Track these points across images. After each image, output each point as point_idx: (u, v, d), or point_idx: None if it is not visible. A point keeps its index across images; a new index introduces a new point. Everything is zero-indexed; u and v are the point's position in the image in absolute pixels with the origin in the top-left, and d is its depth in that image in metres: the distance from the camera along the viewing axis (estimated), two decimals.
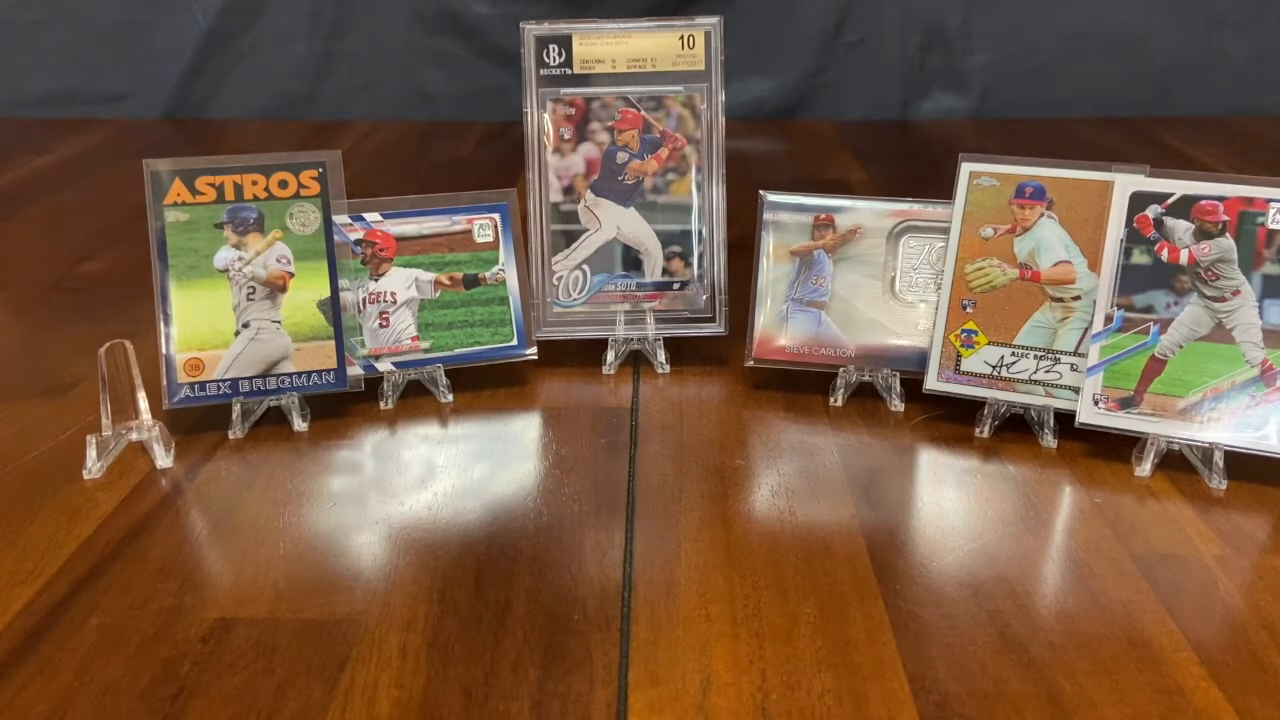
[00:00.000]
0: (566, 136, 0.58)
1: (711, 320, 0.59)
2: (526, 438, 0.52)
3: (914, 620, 0.37)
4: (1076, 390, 0.49)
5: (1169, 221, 0.47)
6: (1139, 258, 0.48)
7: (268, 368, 0.51)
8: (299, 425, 0.51)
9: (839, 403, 0.54)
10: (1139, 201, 0.48)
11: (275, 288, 0.52)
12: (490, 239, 0.55)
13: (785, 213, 0.55)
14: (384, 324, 0.54)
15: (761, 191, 0.55)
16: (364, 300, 0.54)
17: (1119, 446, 0.49)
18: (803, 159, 1.07)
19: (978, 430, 0.51)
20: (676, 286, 0.59)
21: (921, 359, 0.53)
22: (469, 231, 0.55)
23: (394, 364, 0.54)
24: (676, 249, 0.59)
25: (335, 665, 0.35)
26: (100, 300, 0.69)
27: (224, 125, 1.22)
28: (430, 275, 0.55)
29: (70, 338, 0.63)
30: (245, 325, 0.51)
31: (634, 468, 0.48)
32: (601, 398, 0.55)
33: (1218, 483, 0.46)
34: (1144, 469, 0.47)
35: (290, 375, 0.51)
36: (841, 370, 0.54)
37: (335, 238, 0.53)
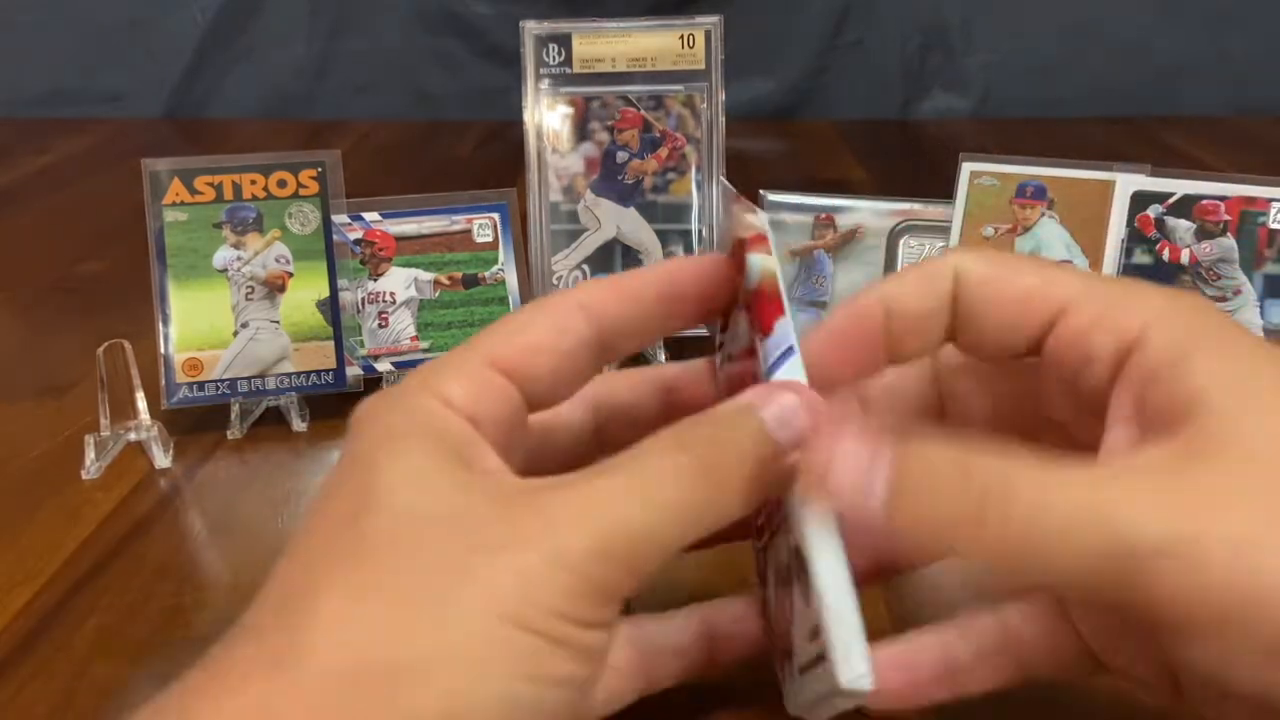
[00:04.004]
0: (567, 136, 0.58)
1: None
2: None
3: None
4: None
5: (1170, 221, 0.47)
6: (1140, 257, 0.48)
7: (266, 368, 0.51)
8: (298, 425, 0.51)
9: None
10: (1140, 201, 0.48)
11: (274, 287, 0.52)
12: (490, 239, 0.55)
13: (786, 212, 0.55)
14: (383, 324, 0.54)
15: (762, 191, 0.55)
16: (363, 300, 0.54)
17: None
18: (803, 158, 1.07)
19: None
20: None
21: None
22: (468, 231, 0.55)
23: (393, 364, 0.54)
24: (676, 249, 0.58)
25: None
26: (98, 300, 0.69)
27: (223, 125, 1.22)
28: (429, 275, 0.55)
29: (68, 338, 0.63)
30: (244, 325, 0.51)
31: None
32: None
33: None
34: None
35: (289, 375, 0.51)
36: None
37: (334, 237, 0.52)
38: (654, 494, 0.21)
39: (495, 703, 0.20)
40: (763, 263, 0.25)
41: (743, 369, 0.26)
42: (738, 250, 0.27)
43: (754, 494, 0.23)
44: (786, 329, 0.24)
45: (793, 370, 0.24)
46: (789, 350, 0.24)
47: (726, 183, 0.28)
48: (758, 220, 0.26)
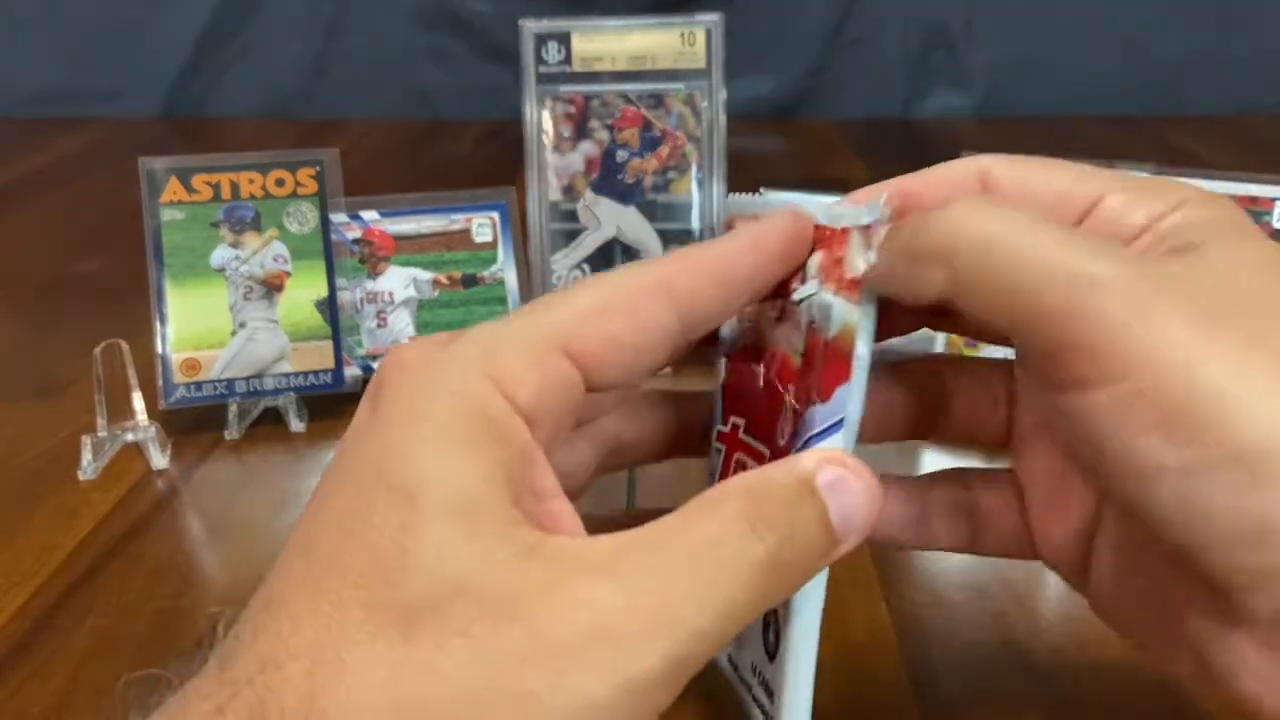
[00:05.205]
0: (567, 135, 0.58)
1: None
2: None
3: (916, 623, 0.37)
4: None
5: None
6: None
7: (264, 368, 0.51)
8: (296, 426, 0.51)
9: None
10: None
11: (272, 287, 0.51)
12: (489, 238, 0.55)
13: None
14: (382, 324, 0.54)
15: (763, 190, 0.55)
16: (361, 300, 0.54)
17: None
18: (804, 157, 1.07)
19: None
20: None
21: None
22: (467, 230, 0.55)
23: None
24: (677, 248, 0.58)
25: None
26: (95, 300, 0.69)
27: (221, 123, 1.22)
28: (429, 275, 0.54)
29: (65, 338, 0.62)
30: (242, 325, 0.51)
31: (633, 468, 0.48)
32: None
33: None
34: None
35: (287, 375, 0.51)
36: None
37: (333, 236, 0.52)
38: (728, 600, 0.18)
39: None
40: (846, 314, 0.22)
41: (778, 345, 0.25)
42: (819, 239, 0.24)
43: (801, 586, 0.21)
44: (844, 398, 0.22)
45: (836, 444, 0.22)
46: (839, 423, 0.22)
47: (882, 204, 0.23)
48: (862, 261, 0.23)
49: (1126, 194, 0.22)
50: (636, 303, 0.21)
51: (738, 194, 0.27)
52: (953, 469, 0.28)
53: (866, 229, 0.23)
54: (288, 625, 0.18)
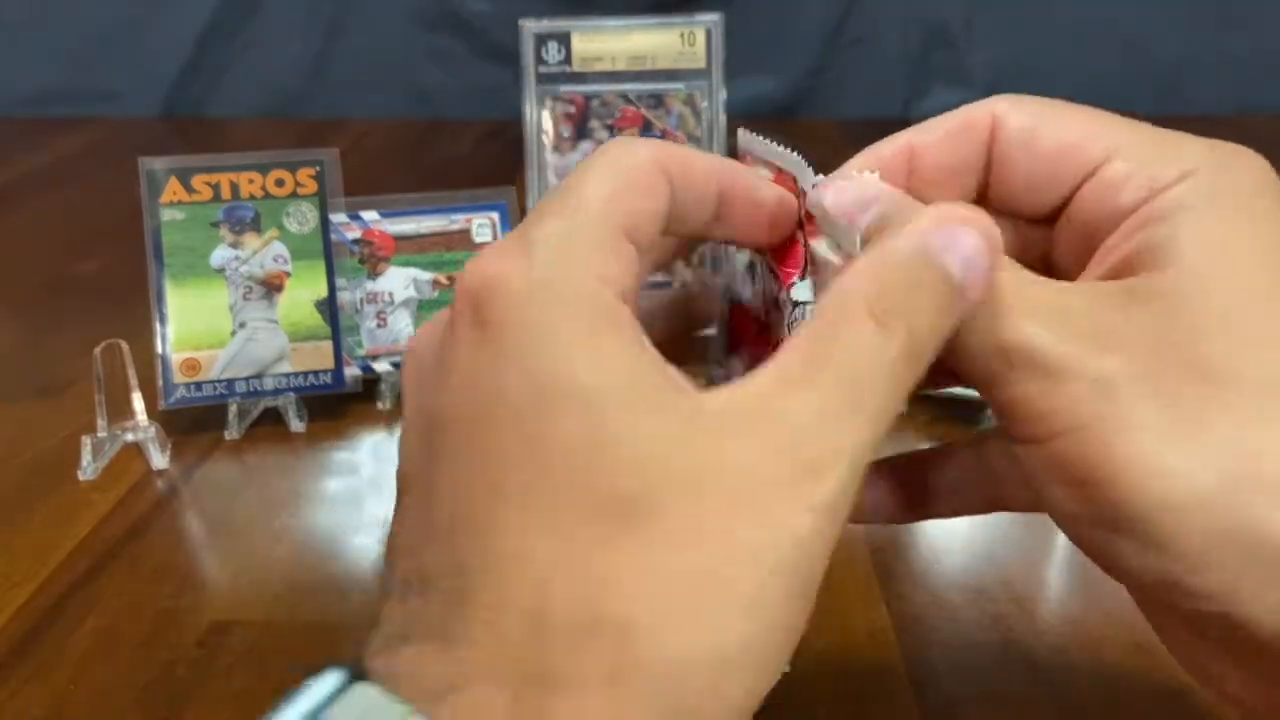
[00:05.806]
0: (566, 135, 0.58)
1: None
2: None
3: (916, 624, 0.37)
4: None
5: None
6: None
7: (264, 368, 0.51)
8: (296, 426, 0.51)
9: None
10: None
11: (272, 287, 0.51)
12: (489, 238, 0.55)
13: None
14: (381, 324, 0.54)
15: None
16: (361, 300, 0.54)
17: None
18: (804, 157, 1.07)
19: (980, 429, 0.50)
20: (677, 285, 0.58)
21: None
22: (467, 231, 0.55)
23: (392, 364, 0.54)
24: None
25: None
26: (95, 300, 0.69)
27: (221, 123, 1.22)
28: (429, 275, 0.54)
29: (65, 338, 0.62)
30: (242, 325, 0.51)
31: None
32: None
33: None
34: None
35: (287, 375, 0.51)
36: None
37: (333, 237, 0.52)
38: (879, 404, 0.19)
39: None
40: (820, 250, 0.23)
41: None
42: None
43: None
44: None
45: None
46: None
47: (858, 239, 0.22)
48: (821, 250, 0.23)
49: (1130, 162, 0.22)
50: (644, 181, 0.21)
51: (752, 133, 0.27)
52: (968, 436, 0.28)
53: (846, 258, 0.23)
54: (512, 543, 0.18)
